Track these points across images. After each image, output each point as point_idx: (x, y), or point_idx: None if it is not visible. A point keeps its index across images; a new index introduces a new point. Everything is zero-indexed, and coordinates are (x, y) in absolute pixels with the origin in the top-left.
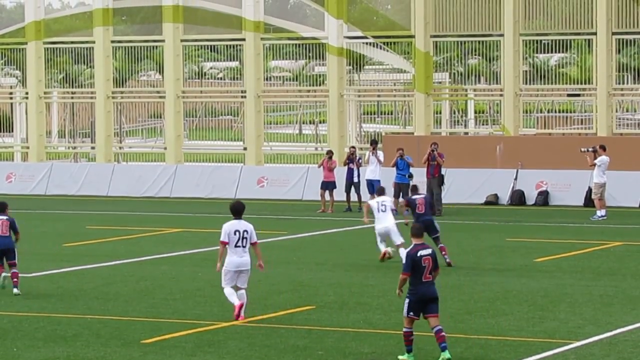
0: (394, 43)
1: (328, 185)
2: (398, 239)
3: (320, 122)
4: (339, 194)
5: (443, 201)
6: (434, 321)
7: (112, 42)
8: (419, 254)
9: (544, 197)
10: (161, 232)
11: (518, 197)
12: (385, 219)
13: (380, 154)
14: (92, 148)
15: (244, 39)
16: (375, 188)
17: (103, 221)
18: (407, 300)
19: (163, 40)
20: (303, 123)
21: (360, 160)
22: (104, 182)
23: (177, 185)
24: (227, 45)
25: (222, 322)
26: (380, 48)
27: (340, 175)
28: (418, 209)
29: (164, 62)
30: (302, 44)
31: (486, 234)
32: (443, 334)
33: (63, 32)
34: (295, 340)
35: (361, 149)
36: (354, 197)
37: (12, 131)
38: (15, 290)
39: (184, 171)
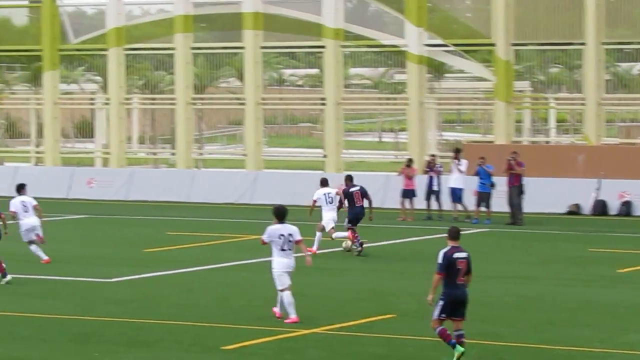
0: (474, 51)
1: (408, 194)
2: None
3: (400, 130)
4: (419, 202)
5: (524, 210)
6: (458, 324)
7: (192, 48)
8: (454, 256)
9: (627, 208)
10: (242, 239)
11: (600, 207)
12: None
13: (464, 162)
14: (172, 154)
15: (323, 47)
16: (458, 197)
17: (183, 227)
18: (440, 302)
19: (243, 47)
20: (383, 131)
21: (440, 169)
22: (184, 188)
23: (258, 192)
24: (306, 53)
25: (303, 329)
26: (461, 56)
27: (420, 183)
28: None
29: (244, 69)
30: (382, 52)
31: (568, 244)
32: (463, 339)
33: (143, 38)
34: (375, 349)
35: (441, 157)
36: (434, 205)
37: (93, 137)
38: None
39: (264, 178)
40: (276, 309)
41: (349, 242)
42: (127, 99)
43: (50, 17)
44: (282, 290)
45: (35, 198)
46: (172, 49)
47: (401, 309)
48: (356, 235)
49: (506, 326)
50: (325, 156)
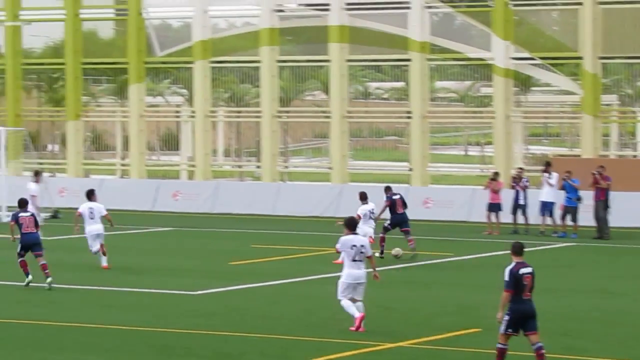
0: (561, 64)
1: (494, 207)
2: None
3: (486, 144)
4: (506, 216)
5: (610, 224)
6: (534, 338)
7: (278, 61)
8: (520, 272)
9: None
10: (327, 252)
11: None
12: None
13: (554, 175)
14: (258, 167)
15: (409, 59)
16: (549, 210)
17: (268, 240)
18: (507, 317)
19: (329, 60)
20: (468, 144)
21: (526, 183)
22: (269, 201)
23: (343, 205)
24: (392, 66)
25: (388, 343)
26: (547, 69)
27: (506, 197)
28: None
29: (330, 82)
30: (468, 65)
31: None
32: (543, 351)
33: (229, 51)
34: None
35: (528, 171)
36: (520, 219)
37: (179, 149)
38: (49, 279)
39: (350, 191)
40: (356, 321)
41: (399, 250)
42: (213, 111)
43: (136, 30)
44: (341, 299)
45: (120, 210)
46: (258, 61)
47: (487, 323)
48: (383, 242)
49: (592, 341)
50: (410, 169)
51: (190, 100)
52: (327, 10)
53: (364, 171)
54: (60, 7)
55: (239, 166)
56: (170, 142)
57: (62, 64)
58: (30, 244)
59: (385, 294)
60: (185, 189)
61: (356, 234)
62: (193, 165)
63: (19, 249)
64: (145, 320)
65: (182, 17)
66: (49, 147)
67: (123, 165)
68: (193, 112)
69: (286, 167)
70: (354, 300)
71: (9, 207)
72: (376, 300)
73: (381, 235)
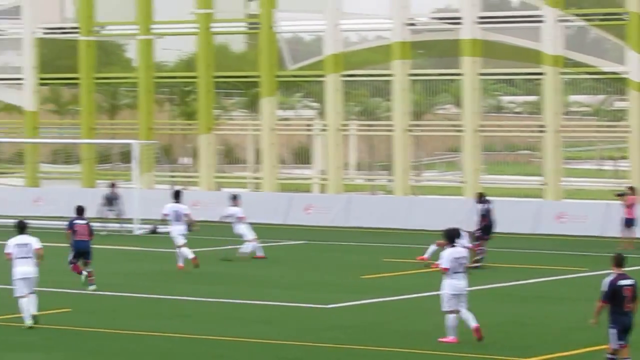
0: None
1: (629, 222)
2: None
3: (620, 158)
4: None
5: None
6: (624, 352)
7: (410, 75)
8: (619, 283)
9: None
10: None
11: None
12: None
13: None
14: (390, 181)
15: (542, 73)
16: None
17: (401, 254)
18: (613, 330)
19: (461, 74)
20: (602, 159)
21: None
22: (401, 215)
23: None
24: (525, 80)
25: (522, 358)
26: None
27: None
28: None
29: (462, 96)
30: (602, 79)
31: None
32: None
33: (361, 65)
34: None
35: None
36: None
37: (311, 163)
38: (91, 287)
39: None
40: (475, 332)
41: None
42: (344, 125)
43: (268, 43)
44: (449, 312)
45: (253, 223)
46: (390, 75)
47: None
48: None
49: None
50: (544, 184)
51: (322, 114)
52: (459, 23)
53: (496, 185)
54: (192, 21)
55: (371, 180)
56: (302, 156)
57: (194, 77)
58: (82, 251)
59: (519, 309)
60: (317, 202)
61: (455, 245)
62: (325, 179)
63: (71, 257)
64: (276, 333)
65: (313, 31)
66: (181, 160)
67: (255, 178)
68: (325, 125)
69: (418, 180)
70: (457, 312)
71: (142, 220)
72: (510, 316)
73: (475, 244)
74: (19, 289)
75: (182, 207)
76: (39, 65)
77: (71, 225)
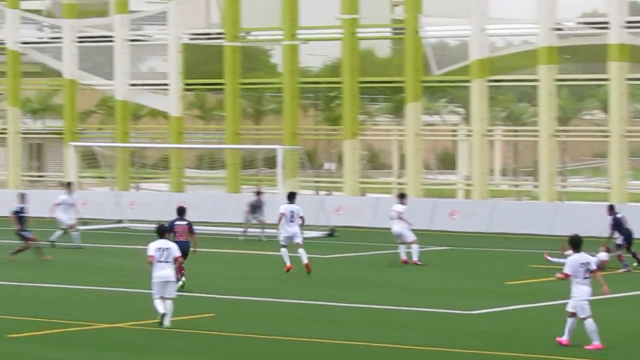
0: None
1: None
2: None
3: None
4: None
5: None
6: None
7: (556, 80)
8: None
9: None
10: (605, 273)
11: None
12: None
13: None
14: (535, 186)
15: None
16: None
17: (545, 260)
18: None
19: (608, 79)
20: None
21: None
22: (546, 220)
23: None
24: None
25: None
26: None
27: None
28: None
29: (609, 101)
30: None
31: None
32: None
33: (507, 70)
34: None
35: None
36: None
37: (455, 168)
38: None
39: (629, 211)
40: (563, 339)
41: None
42: (490, 130)
43: (413, 48)
44: (584, 318)
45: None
46: (536, 80)
47: None
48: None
49: None
50: None
51: (467, 119)
52: (606, 28)
53: None
54: (337, 27)
55: (516, 185)
56: (447, 161)
57: (339, 82)
58: (183, 252)
59: None
60: (462, 208)
61: (580, 252)
62: (470, 184)
63: None
64: (421, 339)
65: (459, 36)
66: (326, 165)
67: (399, 184)
68: (470, 131)
69: (564, 186)
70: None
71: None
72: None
73: (618, 253)
74: (157, 291)
75: (297, 208)
76: (184, 71)
77: (172, 226)
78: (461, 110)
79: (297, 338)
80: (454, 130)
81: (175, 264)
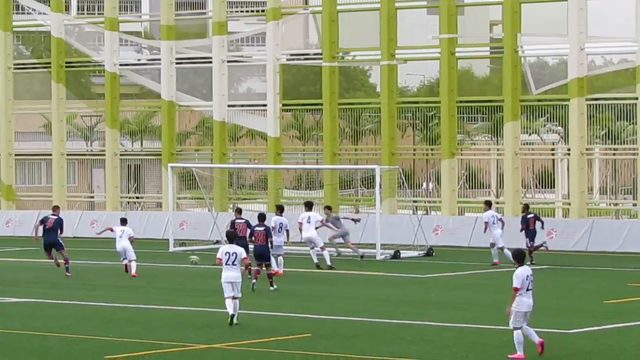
0: None
1: None
2: None
3: None
4: None
5: None
6: None
7: None
8: None
9: None
10: None
11: None
12: None
13: None
14: (634, 204)
15: None
16: None
17: None
18: None
19: None
20: None
21: None
22: None
23: None
24: None
25: None
26: None
27: None
28: None
29: None
30: None
31: None
32: None
33: (605, 88)
34: None
35: None
36: None
37: (554, 187)
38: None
39: None
40: None
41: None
42: (588, 149)
43: (511, 67)
44: None
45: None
46: (635, 98)
47: None
48: None
49: None
50: None
51: (565, 138)
52: None
53: None
54: (435, 46)
55: (615, 204)
56: (546, 180)
57: (437, 102)
58: (260, 255)
59: None
60: (560, 226)
61: None
62: (568, 203)
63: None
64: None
65: (557, 55)
66: (424, 185)
67: (497, 203)
68: (568, 149)
69: None
70: None
71: (383, 245)
72: None
73: None
74: (225, 291)
75: (285, 221)
76: (282, 91)
77: (252, 233)
78: (559, 129)
79: (393, 358)
80: (552, 149)
81: (243, 266)
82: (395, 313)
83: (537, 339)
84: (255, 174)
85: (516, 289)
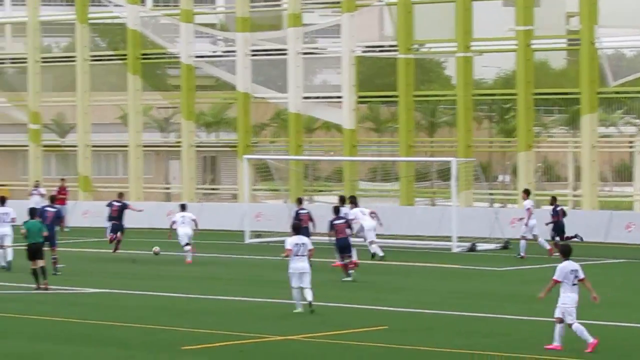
0: None
1: None
2: None
3: None
4: None
5: None
6: None
7: None
8: None
9: None
10: None
11: None
12: None
13: None
14: None
15: None
16: None
17: None
18: None
19: None
20: None
21: None
22: None
23: None
24: None
25: None
26: None
27: None
28: None
29: None
30: None
31: None
32: None
33: None
34: None
35: None
36: None
37: (632, 180)
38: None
39: None
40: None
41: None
42: None
43: (588, 59)
44: (571, 324)
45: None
46: None
47: None
48: None
49: None
50: None
51: None
52: None
53: None
54: (511, 38)
55: None
56: (623, 173)
57: (514, 94)
58: (343, 247)
59: None
60: (639, 220)
61: (569, 259)
62: None
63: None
64: (597, 353)
65: (635, 47)
66: (500, 177)
67: (575, 196)
68: None
69: None
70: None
71: (459, 237)
72: None
73: None
74: (294, 281)
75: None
76: (357, 83)
77: (332, 225)
78: (638, 121)
79: (468, 351)
80: (630, 142)
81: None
82: (471, 306)
83: (591, 339)
84: (330, 166)
85: (555, 281)
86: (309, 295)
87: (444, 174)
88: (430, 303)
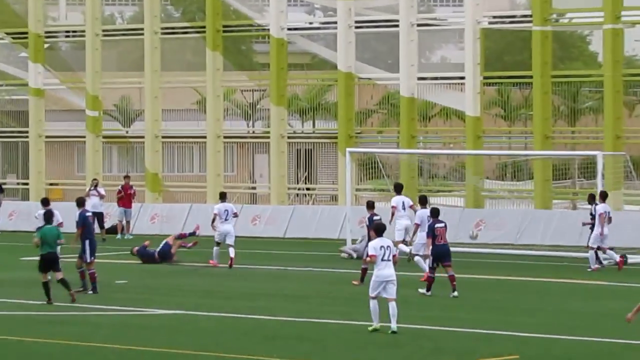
0: None
1: None
2: None
3: None
4: None
5: None
6: None
7: None
8: None
9: None
10: None
11: None
12: None
13: None
14: None
15: None
16: None
17: None
18: None
19: None
20: None
21: None
22: None
23: None
24: None
25: None
26: None
27: None
28: None
29: None
30: None
31: None
32: None
33: None
34: None
35: None
36: None
37: None
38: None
39: None
40: None
41: None
42: None
43: None
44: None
45: None
46: None
47: None
48: None
49: None
50: None
51: None
52: None
53: None
54: None
55: None
56: None
57: None
58: (441, 254)
59: None
60: None
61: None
62: None
63: (430, 262)
64: None
65: None
66: None
67: None
68: None
69: None
70: None
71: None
72: None
73: None
74: (376, 290)
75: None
76: (483, 62)
77: (432, 229)
78: None
79: None
80: None
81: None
82: (619, 331)
83: None
84: (450, 161)
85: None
86: (393, 309)
87: (588, 170)
88: (570, 327)
